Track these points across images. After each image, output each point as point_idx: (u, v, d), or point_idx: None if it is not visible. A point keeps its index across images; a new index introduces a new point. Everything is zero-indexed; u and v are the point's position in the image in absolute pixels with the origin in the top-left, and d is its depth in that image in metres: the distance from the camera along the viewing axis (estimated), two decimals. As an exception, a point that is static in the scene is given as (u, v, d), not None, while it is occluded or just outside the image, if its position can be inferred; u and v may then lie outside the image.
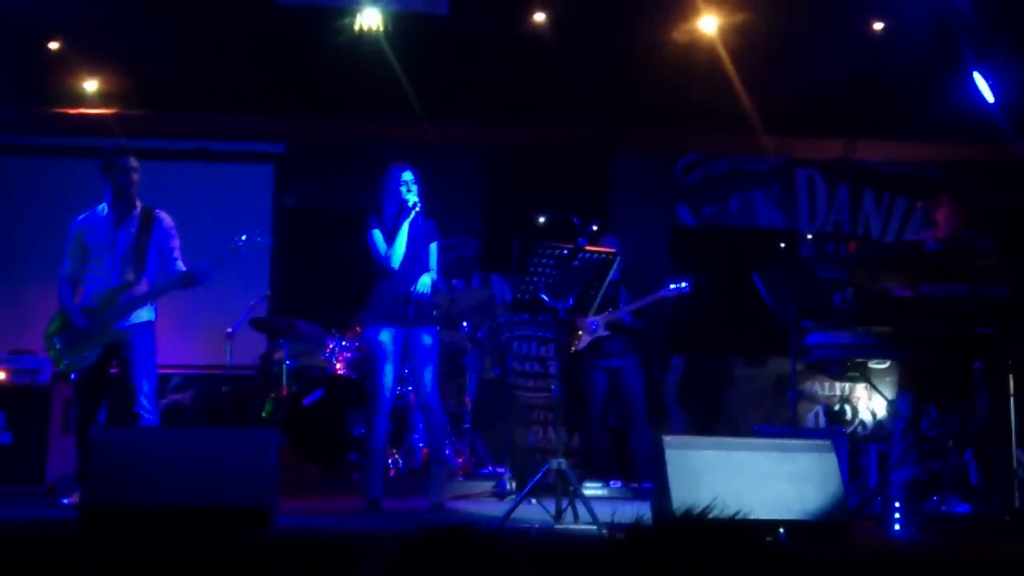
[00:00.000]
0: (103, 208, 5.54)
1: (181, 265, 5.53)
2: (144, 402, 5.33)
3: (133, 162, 5.53)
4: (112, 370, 5.46)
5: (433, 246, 5.66)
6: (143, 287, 5.43)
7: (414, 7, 6.75)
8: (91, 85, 7.79)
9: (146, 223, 5.51)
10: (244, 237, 5.63)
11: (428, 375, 5.51)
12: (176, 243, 5.58)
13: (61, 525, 4.61)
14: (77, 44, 7.28)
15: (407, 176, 5.56)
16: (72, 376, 5.42)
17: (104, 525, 4.05)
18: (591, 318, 6.94)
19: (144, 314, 5.44)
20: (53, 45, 7.24)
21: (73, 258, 5.50)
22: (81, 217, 5.57)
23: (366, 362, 5.75)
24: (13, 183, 8.41)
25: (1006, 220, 7.62)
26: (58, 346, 5.35)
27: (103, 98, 7.92)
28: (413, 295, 5.41)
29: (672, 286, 7.09)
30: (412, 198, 5.47)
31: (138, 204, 5.57)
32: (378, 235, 5.53)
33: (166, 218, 5.61)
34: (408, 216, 5.45)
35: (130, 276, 5.40)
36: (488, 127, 8.51)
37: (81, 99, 7.91)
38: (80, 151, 8.28)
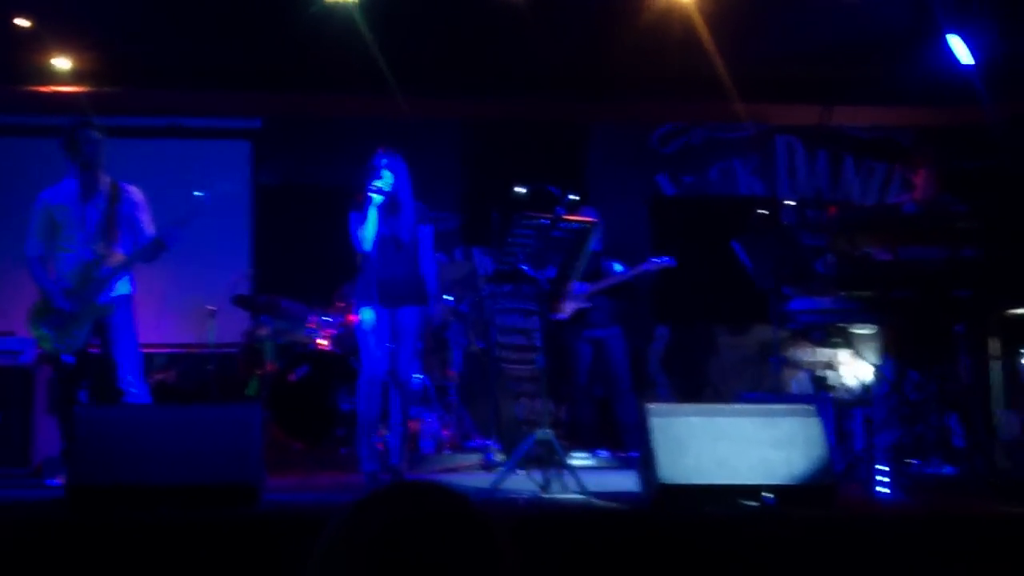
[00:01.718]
0: (69, 184, 5.45)
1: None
2: (128, 377, 5.28)
3: (97, 134, 5.44)
4: (92, 349, 5.40)
5: (427, 230, 5.67)
6: (115, 258, 5.36)
7: (387, -22, 6.68)
8: (62, 63, 7.68)
9: (114, 197, 5.44)
10: (203, 192, 5.49)
11: (405, 352, 5.59)
12: (146, 215, 5.51)
13: (48, 505, 4.59)
14: (46, 21, 7.16)
15: (382, 161, 5.55)
16: (69, 359, 5.29)
17: (91, 505, 4.04)
18: (576, 284, 6.94)
19: (122, 287, 5.39)
20: (22, 22, 7.12)
21: (40, 235, 5.40)
22: (47, 193, 5.46)
23: (354, 336, 5.80)
24: (-15, 163, 8.31)
25: (982, 182, 7.66)
26: (46, 332, 5.27)
27: (74, 76, 7.82)
28: (381, 278, 5.44)
29: (654, 260, 7.05)
30: (379, 183, 5.43)
31: (105, 178, 5.49)
32: (354, 218, 5.55)
33: (135, 191, 5.54)
34: (370, 202, 5.40)
35: (101, 250, 5.34)
36: (463, 99, 8.46)
37: (52, 77, 7.80)
38: (52, 130, 8.08)
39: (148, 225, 5.49)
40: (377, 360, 5.52)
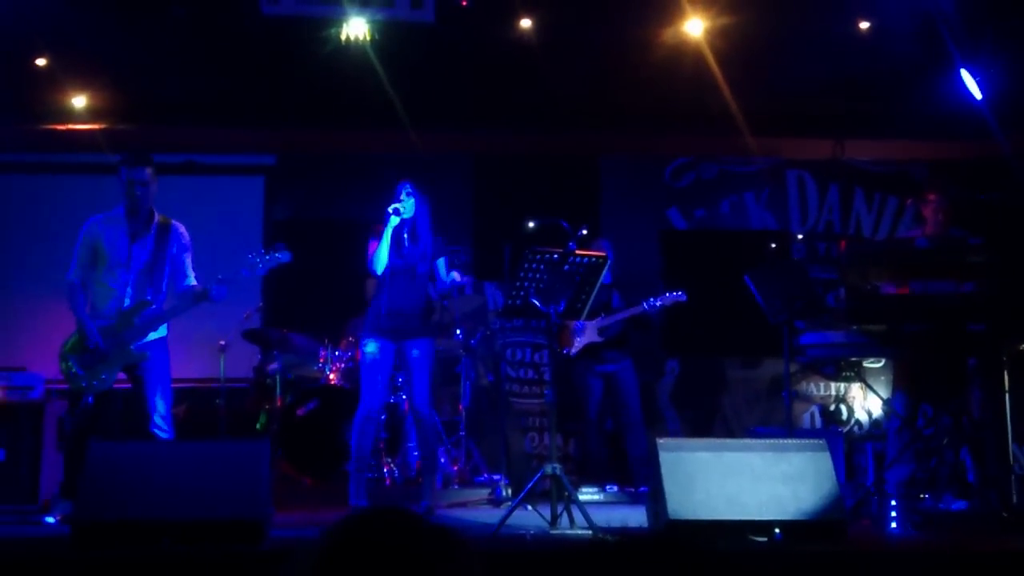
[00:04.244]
0: (119, 216, 5.35)
1: (193, 280, 5.42)
2: (159, 421, 5.24)
3: (146, 174, 5.30)
4: (121, 385, 5.35)
5: (441, 261, 5.74)
6: (158, 307, 5.32)
7: (400, 16, 6.75)
8: (79, 101, 7.78)
9: (163, 237, 5.38)
10: (266, 256, 5.43)
11: (420, 385, 5.60)
12: (190, 258, 5.47)
13: (54, 542, 4.58)
14: (64, 60, 7.26)
15: (405, 188, 5.61)
16: (89, 399, 5.22)
17: (97, 540, 4.03)
18: (580, 322, 6.93)
19: (158, 330, 5.35)
20: (40, 62, 7.23)
21: (83, 263, 5.31)
22: (96, 219, 5.37)
23: (360, 370, 5.81)
24: (2, 200, 8.39)
25: (995, 216, 7.63)
26: (75, 368, 5.18)
27: (91, 113, 7.91)
28: (392, 308, 5.48)
29: (668, 294, 6.96)
30: (398, 206, 5.52)
31: (156, 216, 5.42)
32: (371, 246, 5.60)
33: (183, 232, 5.47)
34: (387, 223, 5.48)
35: (146, 295, 5.28)
36: (476, 134, 8.51)
37: (69, 115, 7.89)
38: (69, 167, 8.29)
39: (190, 268, 5.45)
40: (376, 395, 5.55)
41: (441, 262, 5.73)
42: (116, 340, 5.21)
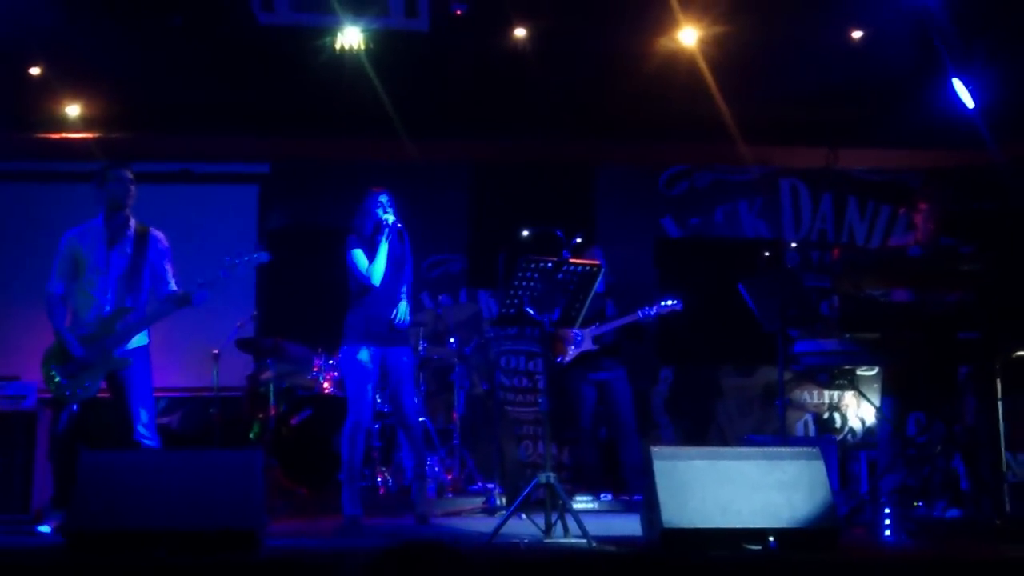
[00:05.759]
0: (97, 225, 5.40)
1: (174, 286, 5.43)
2: (143, 430, 5.23)
3: (128, 174, 5.42)
4: (102, 395, 5.35)
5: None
6: (139, 312, 5.33)
7: (394, 25, 6.77)
8: (73, 109, 7.77)
9: (141, 243, 5.40)
10: (244, 257, 5.48)
11: (409, 393, 5.68)
12: (170, 265, 5.49)
13: (47, 552, 4.57)
14: (58, 69, 7.26)
15: (383, 198, 5.73)
16: (75, 407, 5.26)
17: (90, 550, 4.02)
18: (576, 330, 6.94)
19: (139, 339, 5.35)
20: (34, 70, 7.22)
21: (63, 274, 5.34)
22: (74, 232, 5.41)
23: (344, 380, 5.81)
24: (-4, 208, 8.39)
25: (988, 225, 7.65)
26: (58, 378, 5.19)
27: (85, 122, 7.91)
28: (392, 318, 5.57)
29: (664, 303, 6.99)
30: (390, 217, 5.65)
31: (132, 222, 5.45)
32: (359, 253, 5.64)
33: (161, 238, 5.50)
34: (385, 234, 5.61)
35: (126, 301, 5.29)
36: (471, 143, 8.52)
37: (63, 124, 7.89)
38: (63, 176, 8.28)
39: (171, 275, 5.47)
40: (367, 403, 5.56)
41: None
42: (98, 347, 5.22)
